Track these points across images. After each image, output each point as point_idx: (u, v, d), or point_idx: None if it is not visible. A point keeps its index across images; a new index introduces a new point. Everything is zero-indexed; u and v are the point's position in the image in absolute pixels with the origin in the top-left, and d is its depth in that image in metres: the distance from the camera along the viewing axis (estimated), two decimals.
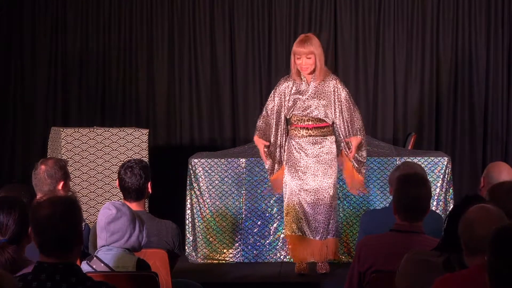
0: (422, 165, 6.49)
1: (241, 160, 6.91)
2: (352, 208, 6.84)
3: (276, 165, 6.31)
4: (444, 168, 6.82)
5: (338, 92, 6.13)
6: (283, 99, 6.21)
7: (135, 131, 7.33)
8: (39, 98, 8.95)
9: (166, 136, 8.94)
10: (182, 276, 5.14)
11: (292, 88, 6.18)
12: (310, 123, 6.18)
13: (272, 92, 6.34)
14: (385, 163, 6.85)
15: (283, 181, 6.29)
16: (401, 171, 4.61)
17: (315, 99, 6.12)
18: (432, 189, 6.59)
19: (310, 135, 6.18)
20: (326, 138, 6.19)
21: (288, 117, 6.25)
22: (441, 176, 6.80)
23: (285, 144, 6.26)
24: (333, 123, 6.20)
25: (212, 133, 8.93)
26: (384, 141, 7.90)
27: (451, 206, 6.80)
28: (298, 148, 6.18)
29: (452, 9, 8.73)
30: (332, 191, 6.17)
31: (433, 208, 6.61)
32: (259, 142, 6.26)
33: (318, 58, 6.12)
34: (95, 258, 3.75)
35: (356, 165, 6.22)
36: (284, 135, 6.27)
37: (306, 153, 6.16)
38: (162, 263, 4.16)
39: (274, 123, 6.24)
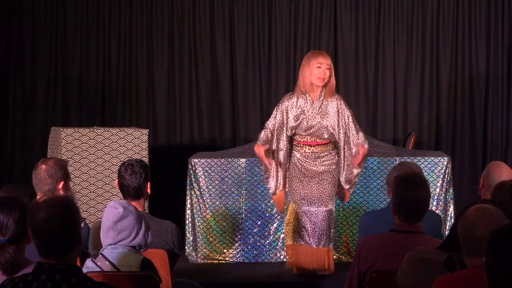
0: (422, 165, 6.52)
1: (241, 160, 6.91)
2: (352, 208, 6.84)
3: (277, 183, 6.28)
4: (444, 168, 6.82)
5: (342, 113, 6.11)
6: (285, 117, 6.17)
7: (135, 131, 7.33)
8: (39, 98, 8.95)
9: (166, 136, 8.95)
10: (182, 276, 5.15)
11: (295, 106, 6.15)
12: (312, 140, 6.18)
13: (275, 109, 6.26)
14: (385, 163, 6.85)
15: (286, 192, 6.30)
16: (399, 172, 4.61)
17: (317, 119, 6.11)
18: (432, 189, 6.60)
19: (313, 152, 6.19)
20: (329, 153, 6.21)
21: (290, 135, 6.24)
22: (441, 176, 6.80)
23: (288, 161, 6.25)
24: (335, 141, 6.21)
25: (212, 133, 8.93)
26: (384, 141, 7.91)
27: (451, 206, 6.81)
28: (302, 161, 6.19)
29: (452, 9, 8.74)
30: (333, 200, 6.21)
31: (433, 208, 6.61)
32: (260, 149, 6.14)
33: (333, 75, 6.13)
34: (100, 255, 3.76)
35: (348, 183, 6.21)
36: (286, 155, 6.24)
37: (309, 165, 6.18)
38: (162, 263, 4.17)
39: (275, 140, 6.21)
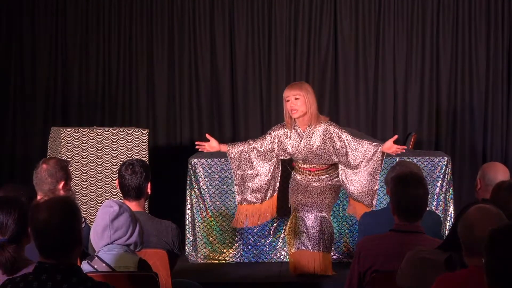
0: (422, 165, 6.51)
1: None
2: None
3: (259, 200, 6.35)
4: (444, 168, 6.82)
5: (338, 136, 6.13)
6: (276, 144, 6.21)
7: (135, 131, 7.34)
8: (39, 98, 8.95)
9: (166, 136, 8.94)
10: (182, 276, 5.15)
11: (288, 136, 6.19)
12: (312, 166, 6.25)
13: (266, 133, 6.32)
14: (385, 163, 6.84)
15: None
16: (398, 172, 4.62)
17: (311, 149, 6.16)
18: (432, 189, 6.60)
19: (313, 176, 6.27)
20: (329, 174, 6.30)
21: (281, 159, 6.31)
22: (441, 176, 6.80)
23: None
24: (334, 163, 6.27)
25: (212, 133, 8.90)
26: (384, 141, 7.88)
27: (451, 206, 6.81)
28: (303, 181, 6.26)
29: (452, 10, 8.74)
30: (330, 211, 6.28)
31: (433, 208, 6.61)
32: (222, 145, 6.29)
33: (308, 102, 6.09)
34: (96, 258, 3.75)
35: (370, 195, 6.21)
36: (277, 176, 6.30)
37: (311, 183, 6.26)
38: (162, 263, 4.16)
39: (266, 161, 6.24)
